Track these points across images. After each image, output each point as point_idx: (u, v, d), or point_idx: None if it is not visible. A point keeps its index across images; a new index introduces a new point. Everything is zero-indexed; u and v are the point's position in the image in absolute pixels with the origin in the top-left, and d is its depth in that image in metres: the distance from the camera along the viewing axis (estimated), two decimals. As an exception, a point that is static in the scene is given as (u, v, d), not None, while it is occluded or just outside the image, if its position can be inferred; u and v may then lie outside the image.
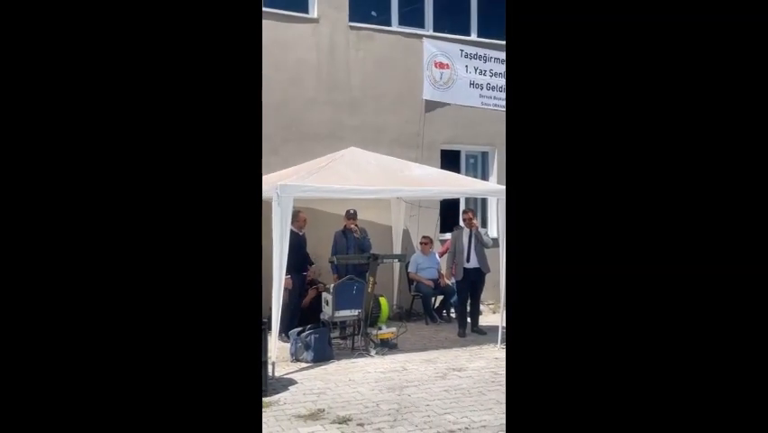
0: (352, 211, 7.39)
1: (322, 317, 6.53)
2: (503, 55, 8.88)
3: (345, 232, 7.35)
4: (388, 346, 6.44)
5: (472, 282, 7.28)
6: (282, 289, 5.71)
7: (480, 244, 7.16)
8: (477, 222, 7.34)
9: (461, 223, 7.70)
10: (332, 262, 6.98)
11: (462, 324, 7.26)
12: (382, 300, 7.47)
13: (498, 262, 6.69)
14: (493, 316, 7.98)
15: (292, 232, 6.13)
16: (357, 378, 5.44)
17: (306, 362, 5.91)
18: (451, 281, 7.82)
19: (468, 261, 7.23)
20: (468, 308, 7.38)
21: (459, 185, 7.28)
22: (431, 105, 8.78)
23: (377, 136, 8.26)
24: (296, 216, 6.53)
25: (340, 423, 4.28)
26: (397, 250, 8.34)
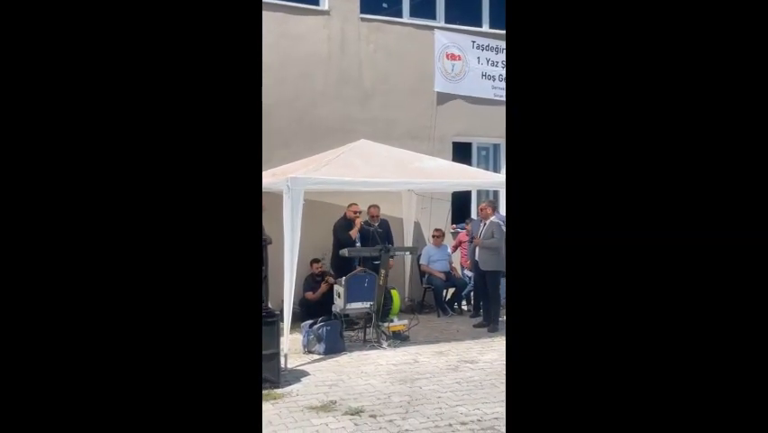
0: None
1: (333, 309, 6.54)
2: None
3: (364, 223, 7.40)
4: (399, 339, 6.44)
5: (481, 276, 7.17)
6: (294, 280, 5.73)
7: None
8: (487, 213, 7.08)
9: None
10: (343, 256, 6.96)
11: (480, 315, 7.16)
12: (394, 293, 7.46)
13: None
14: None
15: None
16: (369, 370, 5.44)
17: (319, 354, 5.92)
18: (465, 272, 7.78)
19: (474, 254, 7.23)
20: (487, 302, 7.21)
21: (470, 177, 7.25)
22: (442, 98, 8.74)
23: (388, 129, 8.23)
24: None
25: (352, 415, 4.29)
26: (409, 242, 8.32)
